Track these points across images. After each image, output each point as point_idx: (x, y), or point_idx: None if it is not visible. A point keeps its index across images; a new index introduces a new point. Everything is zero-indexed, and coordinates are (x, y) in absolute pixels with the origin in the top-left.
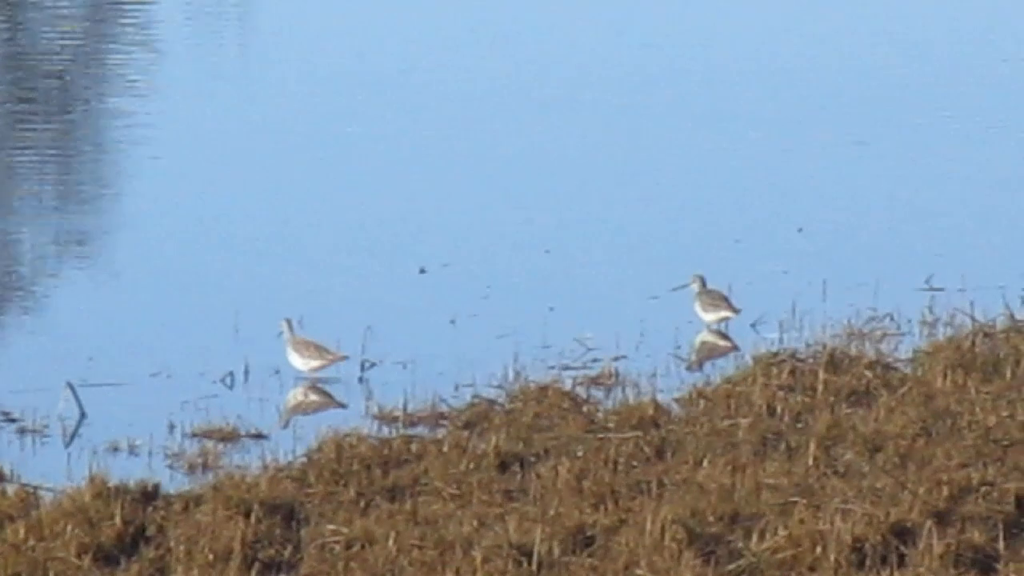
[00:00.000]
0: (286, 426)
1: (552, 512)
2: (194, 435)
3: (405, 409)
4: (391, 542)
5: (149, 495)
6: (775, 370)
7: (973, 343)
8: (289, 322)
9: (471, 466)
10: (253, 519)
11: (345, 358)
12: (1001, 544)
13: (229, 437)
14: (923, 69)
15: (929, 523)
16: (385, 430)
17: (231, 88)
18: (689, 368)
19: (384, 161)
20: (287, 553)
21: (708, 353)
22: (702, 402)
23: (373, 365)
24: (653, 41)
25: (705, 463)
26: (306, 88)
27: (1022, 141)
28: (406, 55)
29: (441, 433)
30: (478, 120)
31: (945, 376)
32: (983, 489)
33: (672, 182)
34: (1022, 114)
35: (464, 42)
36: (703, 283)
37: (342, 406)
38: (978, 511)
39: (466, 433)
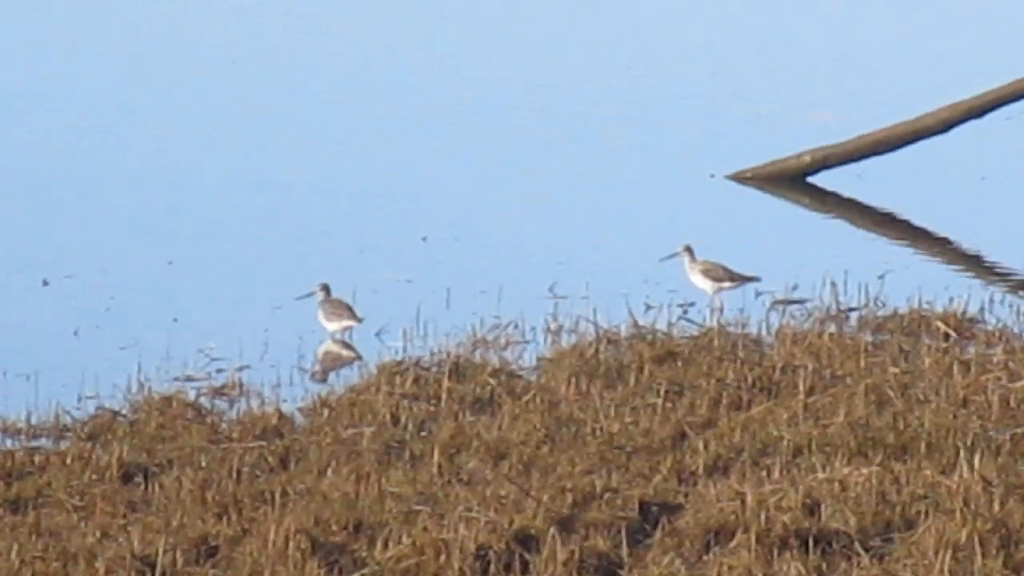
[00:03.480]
0: None
1: (175, 523)
2: None
3: (28, 421)
4: (14, 555)
5: None
6: (399, 379)
7: (597, 350)
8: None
9: (94, 477)
10: None
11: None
12: (624, 550)
13: None
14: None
15: (553, 530)
16: (8, 442)
17: None
18: (313, 378)
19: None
20: None
21: (332, 363)
22: (326, 411)
23: None
24: (260, 46)
25: (329, 472)
26: None
27: (623, 147)
28: None
29: (64, 445)
30: (95, 129)
31: (569, 383)
32: (607, 496)
33: (294, 191)
34: (606, 118)
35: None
36: (327, 292)
37: None
38: (602, 518)
39: (89, 445)
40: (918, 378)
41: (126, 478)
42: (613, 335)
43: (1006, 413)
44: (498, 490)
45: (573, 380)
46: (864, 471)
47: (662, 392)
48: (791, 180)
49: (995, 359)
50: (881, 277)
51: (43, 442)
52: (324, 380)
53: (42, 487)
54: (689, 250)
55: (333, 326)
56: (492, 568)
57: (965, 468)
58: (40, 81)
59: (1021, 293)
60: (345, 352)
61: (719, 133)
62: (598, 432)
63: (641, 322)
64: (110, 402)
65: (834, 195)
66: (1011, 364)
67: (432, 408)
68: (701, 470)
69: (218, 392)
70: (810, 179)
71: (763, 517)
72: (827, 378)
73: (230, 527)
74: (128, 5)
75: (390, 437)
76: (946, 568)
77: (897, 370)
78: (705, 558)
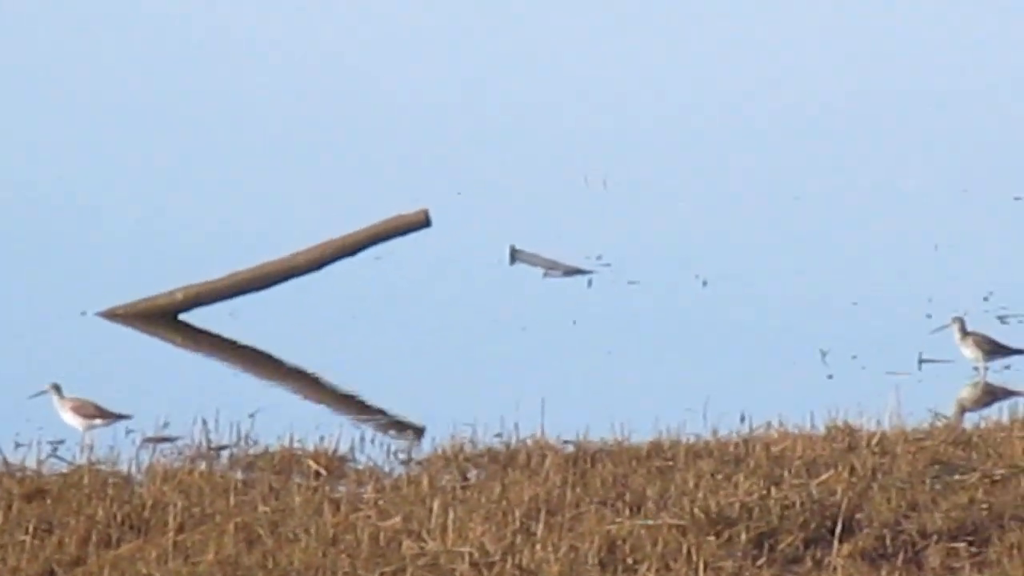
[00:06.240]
0: None
1: None
2: None
3: None
4: None
5: None
6: None
7: None
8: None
9: None
10: None
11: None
12: None
13: None
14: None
15: None
16: None
17: None
18: None
19: None
20: None
21: None
22: None
23: None
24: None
25: None
26: None
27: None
28: None
29: None
30: None
31: None
32: None
33: None
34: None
35: None
36: None
37: None
38: None
39: None
40: (288, 516)
41: None
42: None
43: (376, 551)
44: None
45: None
46: None
47: (31, 529)
48: (163, 317)
49: (365, 497)
50: (252, 415)
51: None
52: None
53: None
54: (57, 388)
55: None
56: None
57: None
58: None
59: (391, 432)
60: None
61: (92, 270)
62: None
63: (10, 459)
64: None
65: (206, 333)
66: (381, 502)
67: None
68: None
69: None
70: (182, 316)
71: None
72: (197, 516)
73: None
74: None
75: None
76: None
77: (267, 508)
78: None
